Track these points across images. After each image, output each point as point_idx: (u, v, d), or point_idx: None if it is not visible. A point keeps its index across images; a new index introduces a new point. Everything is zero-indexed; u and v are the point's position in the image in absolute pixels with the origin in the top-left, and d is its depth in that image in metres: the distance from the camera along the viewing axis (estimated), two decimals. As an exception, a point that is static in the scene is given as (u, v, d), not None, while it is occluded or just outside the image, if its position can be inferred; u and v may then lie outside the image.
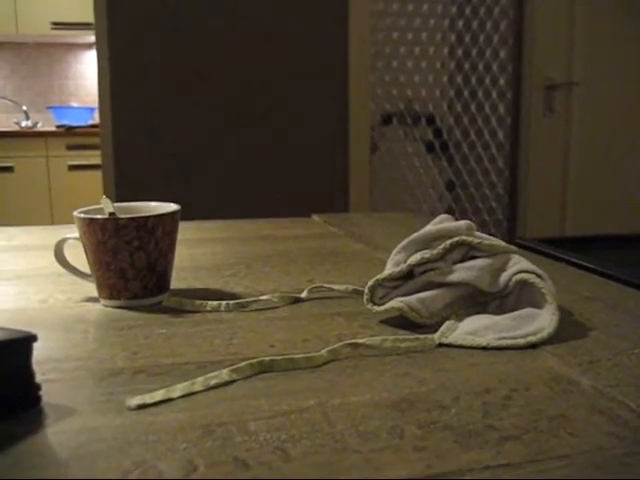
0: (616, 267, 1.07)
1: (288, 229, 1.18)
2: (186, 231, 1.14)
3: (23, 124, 4.71)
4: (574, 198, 3.31)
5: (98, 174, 4.24)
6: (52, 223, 4.39)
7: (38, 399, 0.46)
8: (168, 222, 0.71)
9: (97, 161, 4.14)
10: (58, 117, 4.63)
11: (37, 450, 0.40)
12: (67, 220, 4.05)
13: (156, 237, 0.70)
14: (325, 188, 2.90)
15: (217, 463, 0.39)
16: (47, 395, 0.48)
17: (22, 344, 0.45)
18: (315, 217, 1.31)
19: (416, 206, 3.32)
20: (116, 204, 0.74)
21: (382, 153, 3.25)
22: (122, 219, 0.68)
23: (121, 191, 2.64)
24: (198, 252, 0.99)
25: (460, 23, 3.26)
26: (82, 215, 0.70)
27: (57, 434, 0.43)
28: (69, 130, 4.47)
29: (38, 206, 4.43)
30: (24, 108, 4.85)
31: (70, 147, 4.46)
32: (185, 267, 0.90)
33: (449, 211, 3.38)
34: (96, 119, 4.46)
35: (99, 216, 0.69)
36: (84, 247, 0.71)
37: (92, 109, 4.66)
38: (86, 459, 0.39)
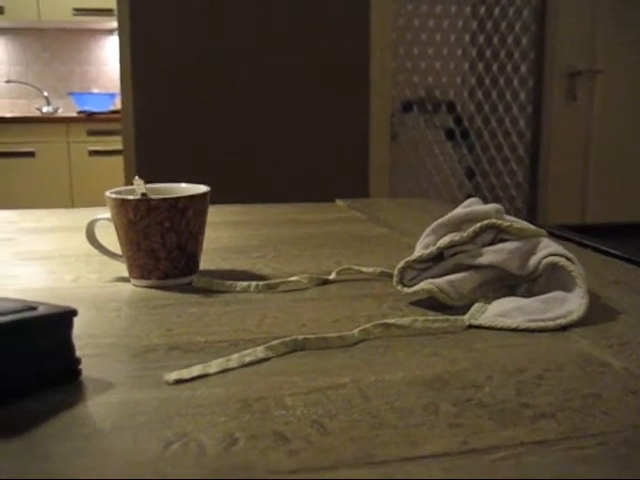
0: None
1: (312, 213, 1.19)
2: (211, 214, 1.14)
3: (44, 110, 4.74)
4: (595, 186, 3.29)
5: (118, 159, 4.26)
6: (72, 207, 4.42)
7: (78, 372, 0.47)
8: (199, 203, 0.72)
9: (117, 147, 4.16)
10: (79, 103, 4.65)
11: (81, 421, 0.41)
12: (87, 205, 4.09)
13: (187, 218, 0.71)
14: (345, 175, 2.90)
15: (257, 436, 0.40)
16: (85, 369, 0.49)
17: (64, 318, 0.46)
18: (339, 202, 1.32)
19: (435, 193, 3.31)
20: (148, 185, 0.75)
21: (402, 140, 3.24)
22: (154, 200, 0.69)
23: (141, 176, 2.65)
24: (224, 235, 1.00)
25: (482, 10, 3.24)
26: (114, 195, 0.71)
27: (98, 406, 0.43)
28: (90, 116, 4.49)
29: (58, 191, 4.46)
30: (45, 94, 4.87)
31: (91, 133, 4.48)
32: (212, 249, 0.90)
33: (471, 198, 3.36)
34: (117, 105, 4.48)
35: (131, 197, 0.70)
36: (115, 227, 0.72)
37: (113, 95, 4.68)
38: (128, 430, 0.40)
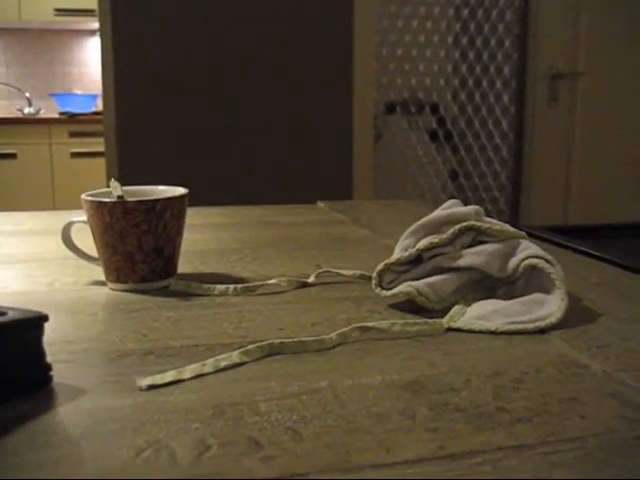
0: (622, 255, 1.06)
1: (293, 215, 1.18)
2: (191, 216, 1.14)
3: (26, 111, 4.70)
4: (577, 188, 3.30)
5: (100, 161, 4.24)
6: (54, 210, 4.38)
7: (49, 379, 0.46)
8: (176, 206, 0.71)
9: (100, 148, 4.14)
10: (61, 104, 4.62)
11: (50, 428, 0.41)
12: (69, 207, 4.05)
13: (164, 220, 0.70)
14: (329, 176, 2.90)
15: (229, 442, 0.39)
16: (57, 375, 0.48)
17: (34, 323, 0.45)
18: (320, 204, 1.31)
19: (419, 195, 3.31)
20: (125, 187, 0.74)
21: (386, 142, 3.24)
22: (130, 202, 0.68)
23: (124, 178, 2.64)
24: (204, 237, 0.99)
25: (465, 12, 3.24)
26: (90, 198, 0.70)
27: (69, 413, 0.43)
28: (72, 117, 4.46)
29: (40, 193, 4.42)
30: (27, 95, 4.83)
31: (73, 134, 4.45)
32: (191, 251, 0.90)
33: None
34: (99, 106, 4.46)
35: (107, 199, 0.69)
36: (92, 230, 0.71)
37: (95, 96, 4.65)
38: (99, 437, 0.39)
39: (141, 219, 0.68)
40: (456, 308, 0.62)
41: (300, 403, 0.44)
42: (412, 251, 0.65)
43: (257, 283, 0.72)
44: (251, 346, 0.52)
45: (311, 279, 0.74)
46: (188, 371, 0.48)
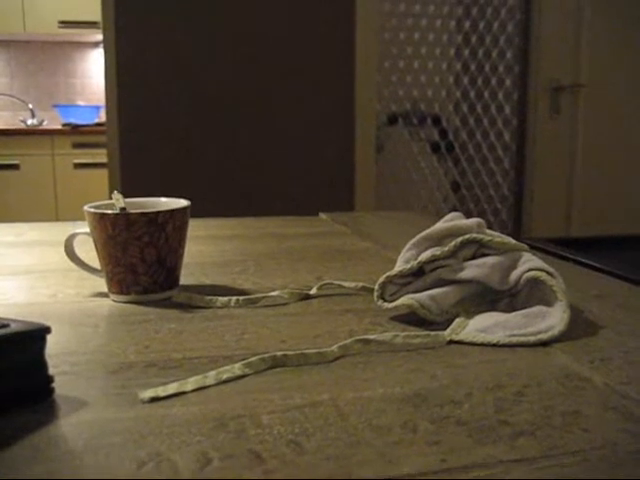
0: (623, 267, 1.06)
1: (295, 227, 1.18)
2: (193, 228, 1.14)
3: (29, 122, 4.71)
4: (579, 200, 3.30)
5: (103, 172, 4.24)
6: (57, 221, 4.39)
7: (51, 391, 0.46)
8: (179, 218, 0.71)
9: (102, 159, 4.14)
10: (64, 115, 4.63)
11: (52, 441, 0.40)
12: (72, 218, 4.06)
13: (166, 232, 0.70)
14: (330, 187, 2.90)
15: (231, 456, 0.39)
16: (59, 387, 0.48)
17: (36, 335, 0.45)
18: (322, 215, 1.31)
19: (421, 206, 3.31)
20: (127, 199, 0.75)
21: (387, 153, 3.25)
22: (133, 214, 0.68)
23: (127, 189, 2.64)
24: (206, 249, 1.00)
25: (467, 24, 3.26)
26: (93, 210, 0.70)
27: (71, 426, 0.43)
28: (75, 128, 4.47)
29: (43, 204, 4.43)
30: (30, 106, 4.85)
31: (76, 145, 4.46)
32: (193, 263, 0.90)
33: (454, 212, 3.36)
34: (102, 118, 4.47)
35: (110, 211, 0.69)
36: (94, 242, 0.71)
37: (98, 107, 4.66)
38: (100, 450, 0.39)
39: (143, 231, 0.69)
40: (458, 321, 0.62)
41: (302, 416, 0.44)
42: (414, 263, 0.65)
43: (259, 295, 0.72)
44: (253, 358, 0.52)
45: (313, 291, 0.74)
46: (190, 383, 0.49)
